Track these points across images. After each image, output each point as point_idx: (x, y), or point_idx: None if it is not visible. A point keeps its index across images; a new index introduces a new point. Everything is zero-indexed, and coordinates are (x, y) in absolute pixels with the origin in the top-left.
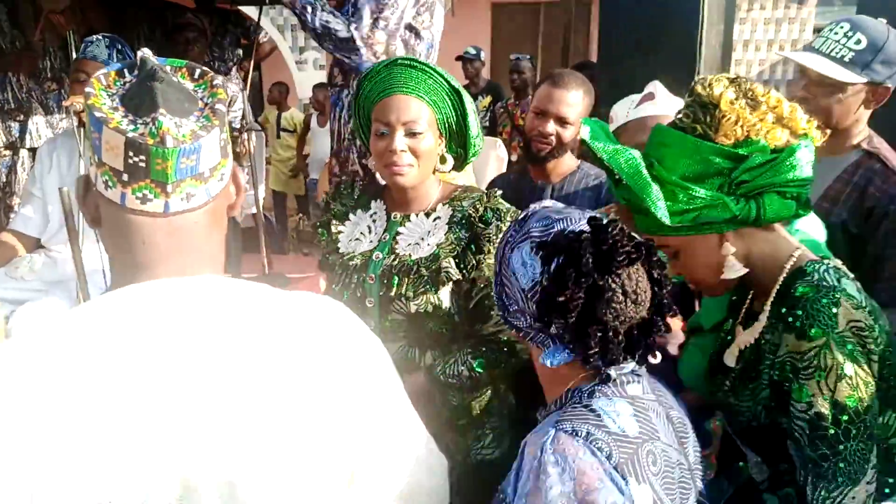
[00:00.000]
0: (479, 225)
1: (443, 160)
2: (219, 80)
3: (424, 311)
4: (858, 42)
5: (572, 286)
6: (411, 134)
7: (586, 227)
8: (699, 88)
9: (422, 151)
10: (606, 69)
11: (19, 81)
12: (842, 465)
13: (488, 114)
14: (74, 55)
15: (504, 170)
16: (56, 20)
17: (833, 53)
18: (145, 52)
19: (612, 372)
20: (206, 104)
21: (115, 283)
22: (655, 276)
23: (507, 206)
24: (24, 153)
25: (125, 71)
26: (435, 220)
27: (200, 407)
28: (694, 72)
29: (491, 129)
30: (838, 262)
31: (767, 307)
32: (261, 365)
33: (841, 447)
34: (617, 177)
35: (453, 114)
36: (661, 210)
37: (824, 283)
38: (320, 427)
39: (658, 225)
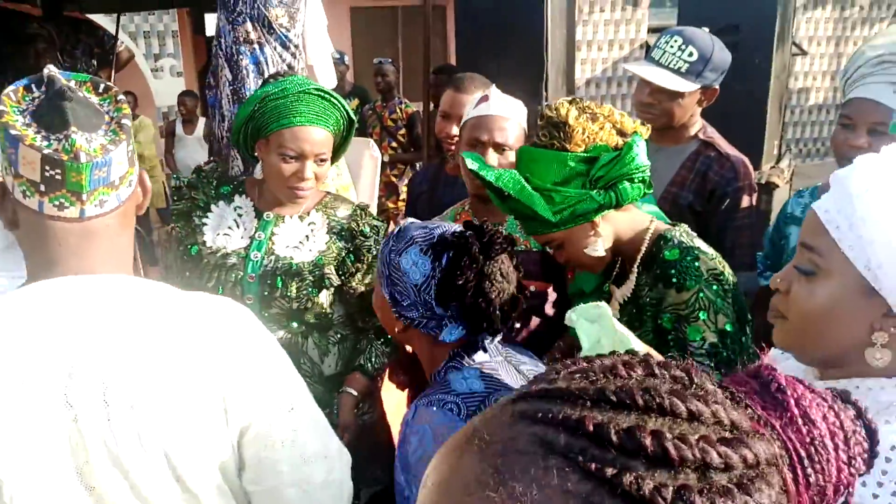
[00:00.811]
0: (360, 238)
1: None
2: (122, 95)
3: (304, 308)
4: (691, 55)
5: (467, 271)
6: (319, 161)
7: (462, 229)
8: (549, 112)
9: (322, 175)
10: (465, 72)
11: None
12: None
13: (356, 116)
14: None
15: (378, 168)
16: None
17: (670, 65)
18: (52, 70)
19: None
20: (112, 118)
21: (31, 277)
22: (515, 262)
23: (380, 221)
24: None
25: (32, 86)
26: (310, 224)
27: (94, 381)
28: (543, 70)
29: (360, 131)
30: (685, 226)
31: (636, 268)
32: (155, 347)
33: (733, 363)
34: (505, 193)
35: (342, 138)
36: (547, 212)
37: (684, 245)
38: (203, 410)
39: (544, 226)
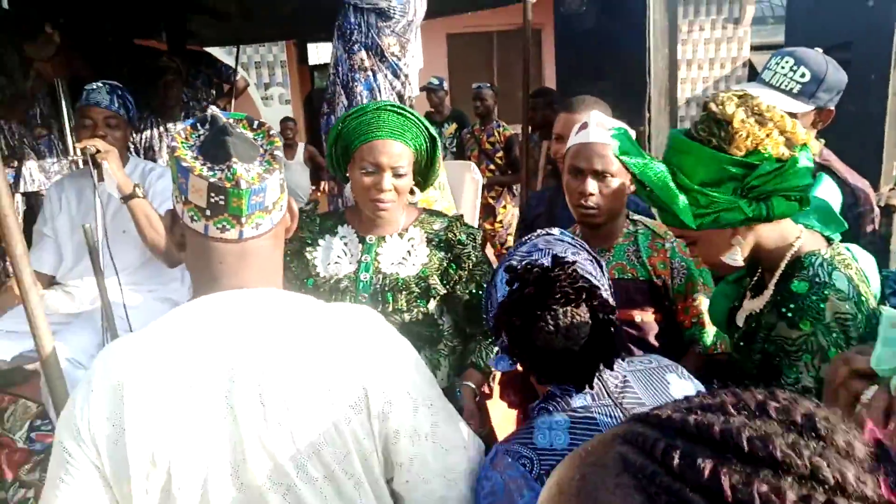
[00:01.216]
0: (458, 246)
1: (412, 192)
2: (273, 129)
3: (415, 320)
4: (803, 75)
5: (514, 311)
6: (397, 175)
7: (548, 263)
8: (713, 107)
9: (402, 189)
10: (565, 95)
11: (11, 129)
12: None
13: (455, 140)
14: (63, 101)
15: (479, 190)
16: (43, 68)
17: (782, 87)
18: (214, 110)
19: (556, 389)
20: (266, 150)
21: (195, 291)
22: (600, 317)
23: (475, 227)
24: (17, 198)
25: (198, 125)
26: (409, 240)
27: (252, 384)
28: (645, 91)
29: (459, 154)
30: (840, 248)
31: (771, 287)
32: (305, 352)
33: None
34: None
35: (426, 155)
36: (687, 216)
37: (816, 280)
38: (350, 409)
39: (680, 223)
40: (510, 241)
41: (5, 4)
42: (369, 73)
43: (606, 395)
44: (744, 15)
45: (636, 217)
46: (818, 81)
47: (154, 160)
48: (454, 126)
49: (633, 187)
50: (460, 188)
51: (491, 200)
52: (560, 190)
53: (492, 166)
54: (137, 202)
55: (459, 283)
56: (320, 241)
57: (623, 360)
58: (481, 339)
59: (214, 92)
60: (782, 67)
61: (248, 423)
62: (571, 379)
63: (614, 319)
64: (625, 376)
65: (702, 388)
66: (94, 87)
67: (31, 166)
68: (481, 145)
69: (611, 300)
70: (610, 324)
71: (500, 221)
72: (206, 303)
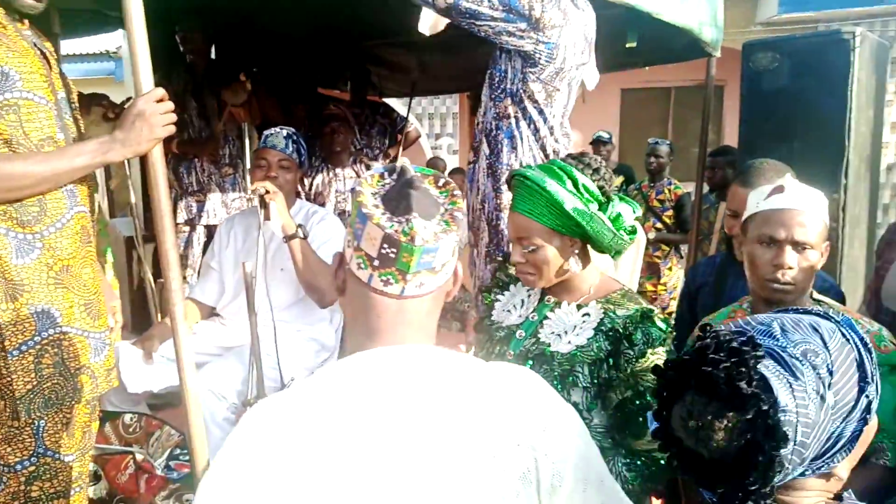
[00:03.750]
0: (625, 343)
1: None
2: (458, 190)
3: None
4: None
5: (664, 380)
6: (527, 249)
7: (736, 343)
8: None
9: (539, 263)
10: (749, 155)
11: (202, 166)
12: None
13: (623, 193)
14: (248, 143)
15: (642, 249)
16: (236, 113)
17: None
18: (405, 162)
19: None
20: (447, 210)
21: (350, 341)
22: (758, 435)
23: (662, 330)
24: (200, 230)
25: (385, 174)
26: (584, 315)
27: (413, 448)
28: (843, 157)
29: None
30: None
31: None
32: (467, 418)
33: None
34: None
35: (566, 220)
36: None
37: None
38: (516, 478)
39: None
40: (673, 305)
41: (213, 55)
42: (512, 120)
43: None
44: None
45: (819, 297)
46: None
47: (322, 204)
48: (620, 179)
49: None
50: None
51: (657, 260)
52: (732, 258)
53: (658, 224)
54: (297, 242)
55: (613, 382)
56: (511, 287)
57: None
58: (620, 457)
59: (388, 141)
60: None
61: (411, 495)
62: (715, 491)
63: (778, 452)
64: None
65: None
66: (273, 132)
67: (214, 201)
68: (649, 202)
69: (789, 431)
70: (769, 450)
71: (665, 284)
72: (364, 361)
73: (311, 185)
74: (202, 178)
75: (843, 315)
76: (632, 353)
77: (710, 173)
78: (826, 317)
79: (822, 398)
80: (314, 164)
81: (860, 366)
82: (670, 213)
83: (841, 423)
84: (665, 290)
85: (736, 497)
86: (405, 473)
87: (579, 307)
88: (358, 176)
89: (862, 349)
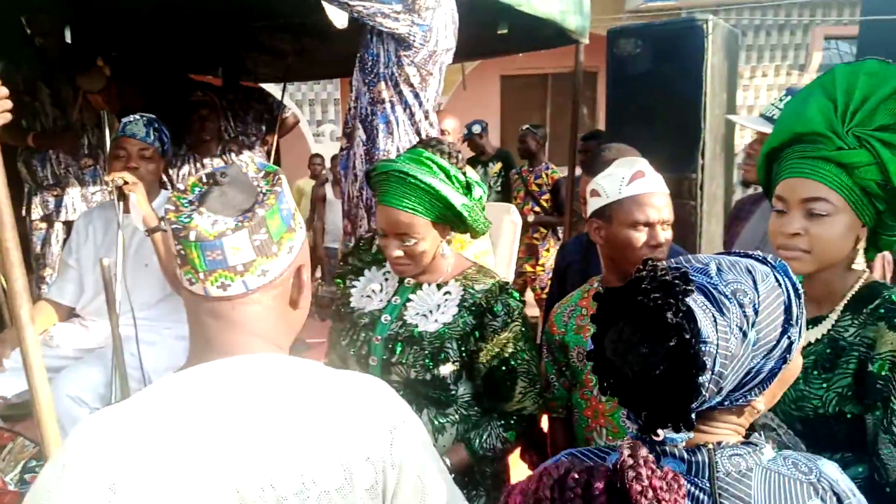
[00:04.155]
0: (488, 316)
1: (449, 242)
2: (279, 187)
3: (422, 379)
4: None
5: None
6: (404, 242)
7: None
8: None
9: (416, 254)
10: (615, 138)
11: (58, 158)
12: None
13: (500, 179)
14: (108, 132)
15: (518, 233)
16: (94, 100)
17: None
18: (240, 164)
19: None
20: (248, 210)
21: (190, 350)
22: (682, 351)
23: (518, 300)
24: (58, 226)
25: (203, 177)
26: (445, 293)
27: (260, 467)
28: (698, 138)
29: (504, 194)
30: None
31: (839, 307)
32: (315, 434)
33: None
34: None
35: (447, 211)
36: None
37: None
38: (367, 496)
39: None
40: None
41: (68, 38)
42: (387, 104)
43: (706, 474)
44: (810, 62)
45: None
46: None
47: None
48: (499, 165)
49: None
50: (498, 230)
51: (535, 241)
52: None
53: (537, 208)
54: (160, 236)
55: (480, 353)
56: (366, 272)
57: (773, 448)
58: (495, 417)
59: (265, 127)
60: (781, 101)
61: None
62: (638, 414)
63: (696, 379)
64: (750, 468)
65: None
66: (132, 119)
67: (73, 195)
68: (528, 186)
69: (708, 361)
70: (687, 376)
71: (542, 265)
72: (202, 374)
73: (177, 175)
74: (58, 170)
75: (779, 261)
76: (496, 324)
77: (582, 157)
78: (763, 261)
79: (745, 334)
80: (180, 152)
81: (787, 309)
82: (547, 196)
83: (761, 359)
84: (543, 270)
85: (657, 421)
86: (260, 497)
87: (439, 286)
88: (226, 165)
89: (792, 294)
